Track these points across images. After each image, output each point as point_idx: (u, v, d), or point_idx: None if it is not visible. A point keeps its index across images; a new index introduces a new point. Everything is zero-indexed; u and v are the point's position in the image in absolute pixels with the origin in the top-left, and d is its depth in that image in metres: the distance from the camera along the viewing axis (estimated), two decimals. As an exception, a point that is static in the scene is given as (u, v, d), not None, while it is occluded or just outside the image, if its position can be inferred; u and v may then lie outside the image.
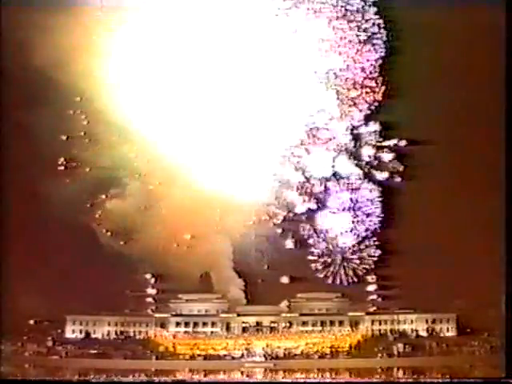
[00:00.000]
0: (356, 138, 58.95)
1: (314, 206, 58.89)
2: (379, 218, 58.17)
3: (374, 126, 58.59)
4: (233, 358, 56.39)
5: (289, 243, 58.92)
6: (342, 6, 58.58)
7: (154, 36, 59.06)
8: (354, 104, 58.96)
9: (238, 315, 58.86)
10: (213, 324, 58.64)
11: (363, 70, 59.11)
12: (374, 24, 58.88)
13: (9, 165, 56.49)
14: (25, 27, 56.78)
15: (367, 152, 58.84)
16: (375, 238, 58.11)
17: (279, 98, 58.97)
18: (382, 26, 58.73)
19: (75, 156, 58.39)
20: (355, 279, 58.30)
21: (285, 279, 59.11)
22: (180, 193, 58.70)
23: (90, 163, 58.46)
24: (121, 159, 58.76)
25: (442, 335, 56.40)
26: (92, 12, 58.13)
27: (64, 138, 58.50)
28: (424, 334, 56.89)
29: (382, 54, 58.89)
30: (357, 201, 58.60)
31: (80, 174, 58.24)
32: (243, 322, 58.71)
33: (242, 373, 54.73)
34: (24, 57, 56.55)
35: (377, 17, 58.78)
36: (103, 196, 58.48)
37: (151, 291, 59.04)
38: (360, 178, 58.69)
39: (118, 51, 59.04)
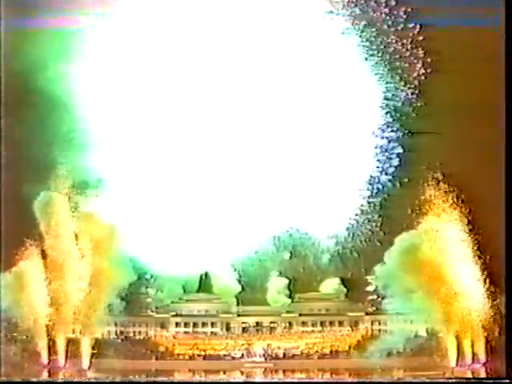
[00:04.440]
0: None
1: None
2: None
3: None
4: (233, 358, 56.53)
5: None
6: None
7: (137, 43, 58.89)
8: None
9: (238, 315, 58.95)
10: (213, 324, 58.68)
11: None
12: None
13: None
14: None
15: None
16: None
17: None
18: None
19: (55, 159, 57.43)
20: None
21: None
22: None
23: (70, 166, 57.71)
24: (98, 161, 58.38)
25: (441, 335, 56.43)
26: (71, 16, 57.89)
27: (42, 141, 57.44)
28: (424, 334, 57.00)
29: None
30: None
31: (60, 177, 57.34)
32: (243, 323, 58.79)
33: (242, 373, 54.84)
34: (2, 62, 56.24)
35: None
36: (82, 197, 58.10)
37: (151, 291, 59.09)
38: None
39: (96, 56, 58.69)
